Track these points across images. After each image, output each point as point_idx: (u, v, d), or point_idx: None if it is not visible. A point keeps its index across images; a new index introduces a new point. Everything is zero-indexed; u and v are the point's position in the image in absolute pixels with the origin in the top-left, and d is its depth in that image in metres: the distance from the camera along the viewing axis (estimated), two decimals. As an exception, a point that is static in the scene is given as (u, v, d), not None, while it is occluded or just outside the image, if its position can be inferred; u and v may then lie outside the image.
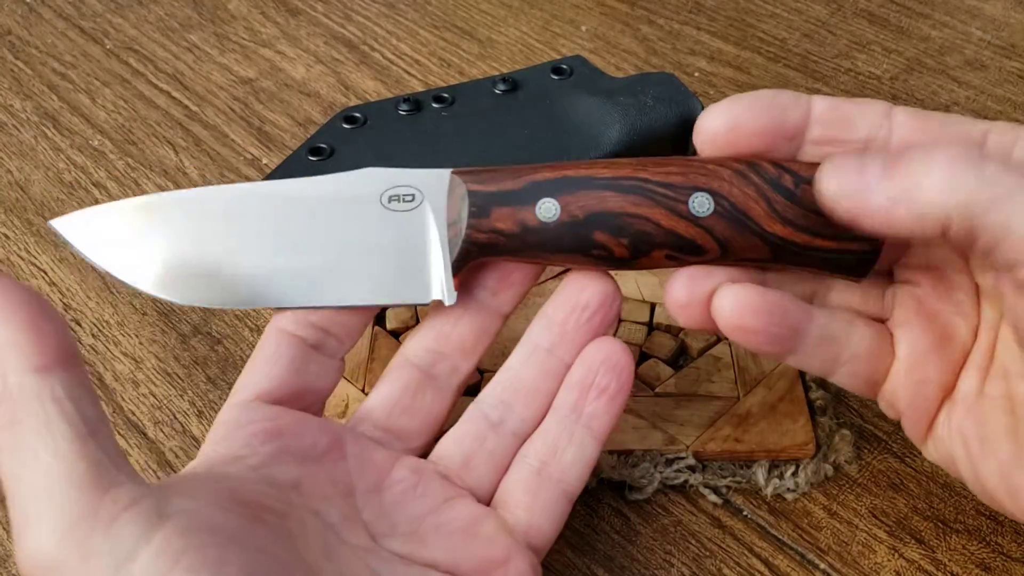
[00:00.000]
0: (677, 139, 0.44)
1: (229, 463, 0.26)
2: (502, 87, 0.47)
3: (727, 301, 0.28)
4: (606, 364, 0.30)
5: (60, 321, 0.22)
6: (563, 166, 0.29)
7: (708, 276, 0.28)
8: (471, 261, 0.30)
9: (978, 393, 0.28)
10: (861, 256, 0.28)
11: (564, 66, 0.48)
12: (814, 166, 0.27)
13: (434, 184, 0.30)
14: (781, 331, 0.28)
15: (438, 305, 0.30)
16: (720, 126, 0.28)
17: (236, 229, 0.30)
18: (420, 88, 0.55)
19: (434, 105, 0.47)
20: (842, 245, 0.28)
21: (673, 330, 0.39)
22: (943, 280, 0.29)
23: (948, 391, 0.29)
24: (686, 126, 0.44)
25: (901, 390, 0.29)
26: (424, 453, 0.31)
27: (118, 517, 0.20)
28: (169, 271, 0.29)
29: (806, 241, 0.28)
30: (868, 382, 0.30)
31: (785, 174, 0.27)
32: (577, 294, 0.30)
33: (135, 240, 0.29)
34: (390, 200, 0.30)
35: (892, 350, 0.29)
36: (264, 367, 0.29)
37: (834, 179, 0.25)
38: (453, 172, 0.30)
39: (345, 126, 0.46)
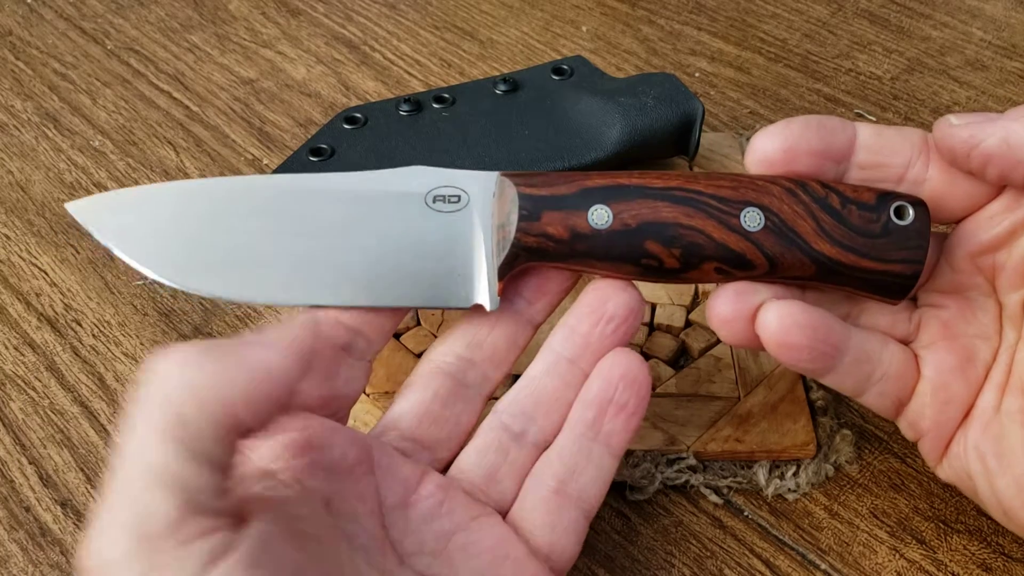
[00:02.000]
0: (678, 139, 0.44)
1: (261, 479, 0.25)
2: (503, 87, 0.47)
3: (772, 316, 0.28)
4: (625, 379, 0.29)
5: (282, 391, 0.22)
6: (615, 174, 0.29)
7: (753, 292, 0.29)
8: (517, 266, 0.29)
9: (995, 410, 0.29)
10: (901, 279, 0.28)
11: (565, 66, 0.48)
12: (858, 189, 0.28)
13: (481, 186, 0.29)
14: (825, 348, 0.28)
15: (477, 310, 0.29)
16: (776, 147, 0.28)
17: (270, 222, 0.29)
18: (421, 89, 0.55)
19: (435, 105, 0.47)
20: (885, 267, 0.28)
21: (674, 331, 0.39)
22: (968, 304, 0.30)
23: (968, 410, 0.30)
24: (687, 126, 0.44)
25: (927, 410, 0.30)
26: (448, 464, 0.30)
27: (192, 541, 0.20)
28: (193, 261, 0.28)
29: (852, 261, 0.28)
30: (895, 402, 0.30)
31: (832, 194, 0.28)
32: (601, 305, 0.30)
33: (164, 228, 0.28)
34: (435, 200, 0.29)
35: (918, 371, 0.30)
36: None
37: (957, 118, 0.27)
38: (502, 175, 0.29)
39: (346, 126, 0.46)
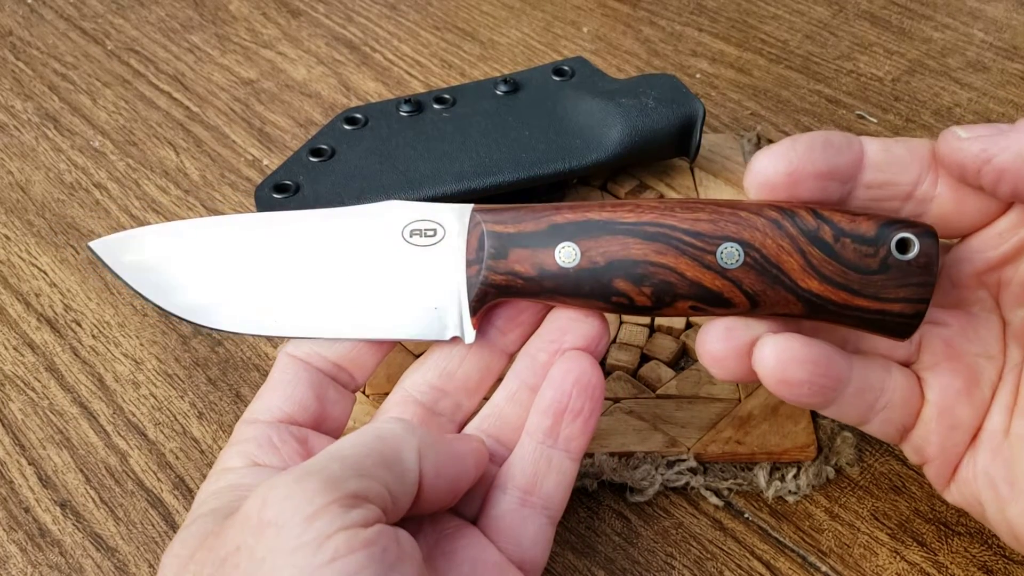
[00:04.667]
0: (679, 140, 0.44)
1: None
2: (503, 88, 0.47)
3: (770, 352, 0.27)
4: (578, 386, 0.29)
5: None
6: (587, 207, 0.28)
7: (745, 327, 0.28)
8: (488, 301, 0.29)
9: (1004, 433, 0.28)
10: (902, 319, 0.26)
11: (566, 67, 0.48)
12: (856, 218, 0.26)
13: (456, 219, 0.30)
14: (826, 382, 0.27)
15: (455, 342, 0.30)
16: (780, 170, 0.27)
17: (261, 259, 0.30)
18: (421, 89, 0.55)
19: (435, 106, 0.47)
20: (883, 306, 0.26)
21: (674, 332, 0.39)
22: (971, 320, 0.29)
23: (975, 434, 0.29)
24: (688, 127, 0.44)
25: (933, 436, 0.29)
26: None
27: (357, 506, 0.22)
28: (196, 296, 0.30)
29: (844, 300, 0.26)
30: (899, 429, 0.29)
31: (824, 225, 0.26)
32: (560, 336, 0.30)
33: (166, 265, 0.30)
34: (411, 234, 0.30)
35: (921, 395, 0.29)
36: (285, 389, 0.29)
37: (965, 131, 0.26)
38: (475, 209, 0.29)
39: (346, 127, 0.46)
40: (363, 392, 0.37)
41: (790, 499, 0.35)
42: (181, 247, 0.31)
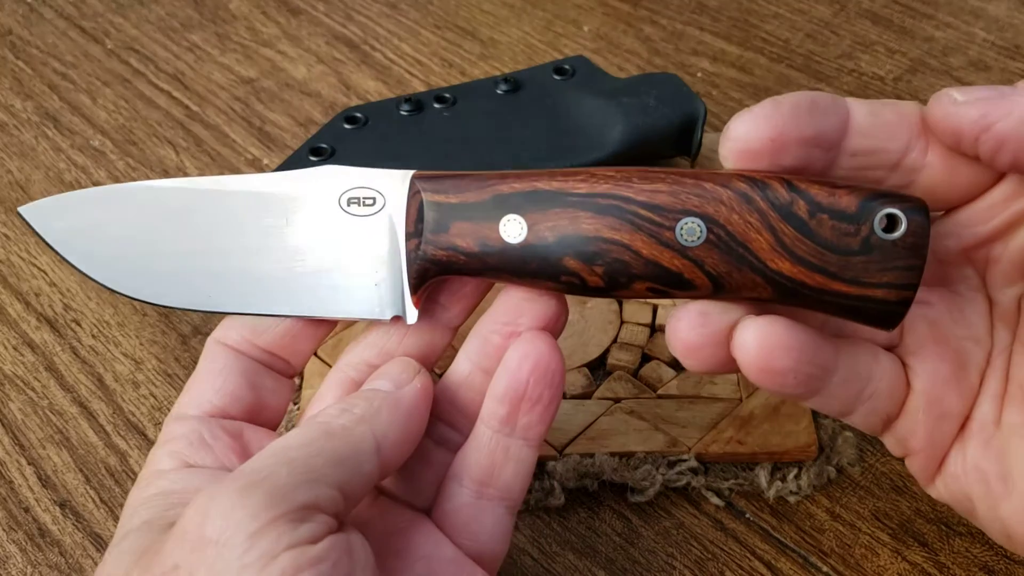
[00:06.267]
0: (680, 139, 0.44)
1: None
2: (504, 87, 0.47)
3: (751, 336, 0.24)
4: (536, 372, 0.26)
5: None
6: (536, 175, 0.25)
7: (723, 311, 0.25)
8: (430, 279, 0.27)
9: (995, 423, 0.26)
10: (886, 307, 0.23)
11: (566, 66, 0.48)
12: (836, 191, 0.23)
13: (397, 187, 0.27)
14: (811, 370, 0.24)
15: (396, 322, 0.28)
16: (764, 135, 0.24)
17: (190, 226, 0.28)
18: (422, 88, 0.55)
19: (436, 105, 0.47)
20: (863, 291, 0.23)
21: (675, 331, 0.39)
22: (956, 299, 0.26)
23: (963, 424, 0.27)
24: (689, 126, 0.44)
25: (920, 427, 0.26)
26: None
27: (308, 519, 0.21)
28: (124, 265, 0.28)
29: (819, 283, 0.23)
30: (883, 420, 0.27)
31: (799, 199, 0.23)
32: (515, 318, 0.27)
33: (95, 230, 0.28)
34: (349, 203, 0.27)
35: (907, 383, 0.26)
36: (215, 380, 0.27)
37: (961, 94, 0.23)
38: (415, 176, 0.27)
39: (346, 126, 0.46)
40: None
41: (791, 499, 0.35)
42: (114, 214, 0.28)
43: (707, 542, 0.34)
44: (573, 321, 0.39)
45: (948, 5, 0.62)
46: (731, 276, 0.24)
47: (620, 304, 0.40)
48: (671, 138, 0.44)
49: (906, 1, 0.62)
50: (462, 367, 0.28)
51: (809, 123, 0.24)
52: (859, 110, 0.24)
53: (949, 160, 0.24)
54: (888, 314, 0.24)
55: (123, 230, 0.28)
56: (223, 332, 0.29)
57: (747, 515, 0.34)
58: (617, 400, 0.36)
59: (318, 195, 0.27)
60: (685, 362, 0.25)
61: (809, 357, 0.24)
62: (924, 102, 0.24)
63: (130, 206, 0.28)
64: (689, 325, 0.25)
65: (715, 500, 0.35)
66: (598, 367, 0.38)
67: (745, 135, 0.24)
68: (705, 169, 0.25)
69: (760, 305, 0.25)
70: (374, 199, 0.27)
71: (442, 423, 0.28)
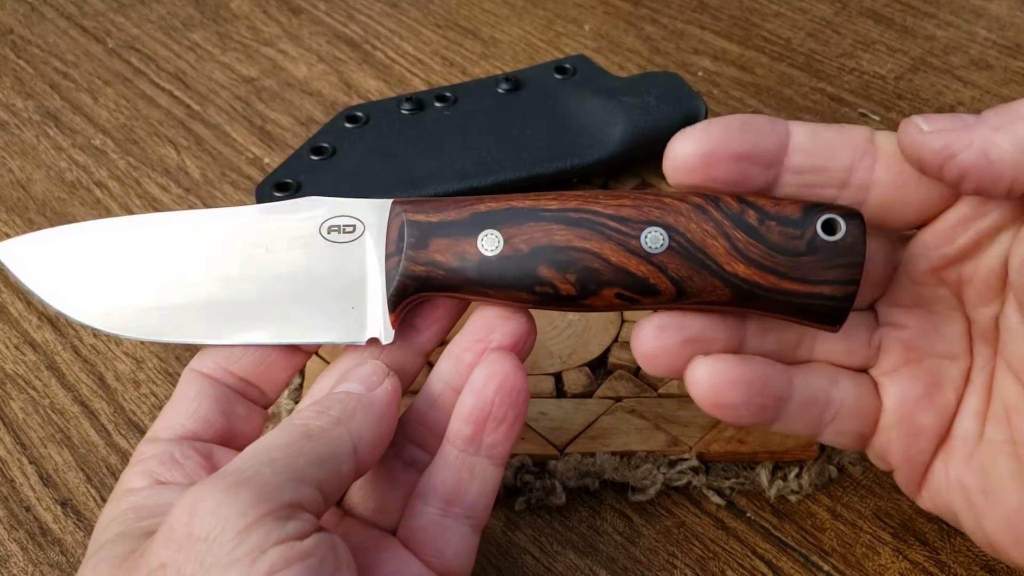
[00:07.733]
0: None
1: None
2: (505, 86, 0.47)
3: (702, 375, 0.26)
4: (500, 393, 0.27)
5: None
6: (510, 197, 0.27)
7: (679, 327, 0.27)
8: (408, 297, 0.28)
9: (977, 439, 0.27)
10: (833, 302, 0.26)
11: (567, 65, 0.48)
12: (781, 202, 0.26)
13: (375, 214, 0.28)
14: (763, 401, 0.26)
15: (373, 344, 0.28)
16: (692, 151, 0.26)
17: (171, 261, 0.29)
18: (423, 87, 0.55)
19: (436, 104, 0.47)
20: (812, 288, 0.25)
21: (676, 331, 0.39)
22: (932, 319, 0.27)
23: (942, 439, 0.28)
24: (689, 125, 0.44)
25: (894, 444, 0.28)
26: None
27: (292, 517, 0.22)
28: (105, 303, 0.28)
29: (771, 283, 0.26)
30: (857, 438, 0.28)
31: (749, 209, 0.26)
32: (487, 335, 0.28)
33: (68, 271, 0.29)
34: (330, 231, 0.28)
35: (879, 401, 0.28)
36: (188, 406, 0.28)
37: (927, 123, 0.24)
38: (395, 202, 0.28)
39: (347, 125, 0.46)
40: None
41: (792, 498, 0.35)
42: (85, 251, 0.29)
43: (708, 541, 0.34)
44: (574, 320, 0.39)
45: (950, 4, 0.62)
46: (692, 280, 0.26)
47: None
48: (672, 137, 0.44)
49: (907, 0, 0.62)
50: (435, 388, 0.29)
51: (740, 141, 0.26)
52: (799, 131, 0.26)
53: (899, 178, 0.26)
54: (835, 310, 0.26)
55: (95, 267, 0.29)
56: (199, 361, 0.29)
57: (748, 514, 0.34)
58: (618, 399, 0.36)
59: (299, 225, 0.29)
60: (646, 368, 0.28)
61: (759, 390, 0.26)
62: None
63: (104, 243, 0.29)
64: (648, 336, 0.27)
65: (716, 499, 0.35)
66: (599, 366, 0.38)
67: (680, 152, 0.26)
68: (664, 189, 0.27)
69: (734, 317, 0.27)
70: (354, 226, 0.28)
71: (412, 444, 0.29)
